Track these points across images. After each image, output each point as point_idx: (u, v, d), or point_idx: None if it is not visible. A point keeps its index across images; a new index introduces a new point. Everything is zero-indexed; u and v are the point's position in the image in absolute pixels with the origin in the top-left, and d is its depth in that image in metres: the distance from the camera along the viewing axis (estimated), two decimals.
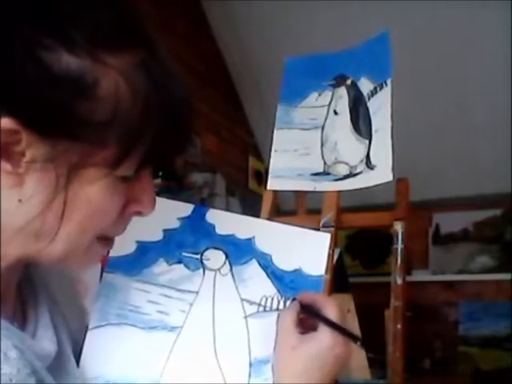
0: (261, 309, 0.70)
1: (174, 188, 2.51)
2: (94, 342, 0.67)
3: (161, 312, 0.70)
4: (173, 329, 0.69)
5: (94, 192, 0.50)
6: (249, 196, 3.32)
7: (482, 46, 2.85)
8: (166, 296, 0.70)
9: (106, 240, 0.57)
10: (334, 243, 1.07)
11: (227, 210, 2.35)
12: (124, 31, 0.50)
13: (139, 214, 0.57)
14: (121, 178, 0.52)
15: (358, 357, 1.89)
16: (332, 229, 1.08)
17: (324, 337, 0.62)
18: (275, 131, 1.15)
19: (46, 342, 0.57)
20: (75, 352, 0.65)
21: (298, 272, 0.71)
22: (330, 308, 0.64)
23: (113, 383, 0.67)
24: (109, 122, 0.48)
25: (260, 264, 0.72)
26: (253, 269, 0.72)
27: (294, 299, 0.68)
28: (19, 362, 0.49)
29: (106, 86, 0.48)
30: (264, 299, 0.70)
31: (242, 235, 0.73)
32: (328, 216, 1.10)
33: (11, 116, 0.45)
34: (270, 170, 1.12)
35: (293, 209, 1.53)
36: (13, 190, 0.48)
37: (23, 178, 0.48)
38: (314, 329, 0.64)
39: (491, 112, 3.11)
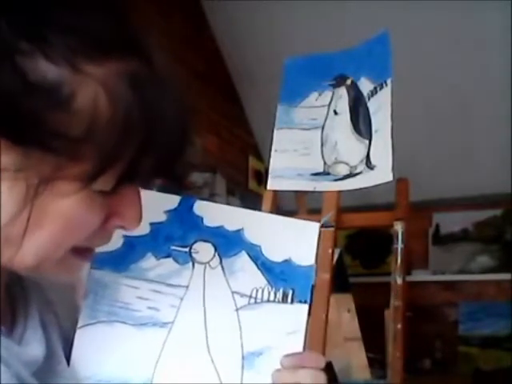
0: (252, 301, 0.69)
1: (174, 188, 2.51)
2: (84, 340, 0.66)
3: (151, 308, 0.69)
4: (164, 324, 0.69)
5: (67, 205, 0.48)
6: (249, 196, 3.32)
7: (481, 45, 2.85)
8: (155, 291, 0.69)
9: (85, 251, 0.55)
10: (334, 243, 1.07)
11: None
12: (113, 39, 0.47)
13: (123, 228, 0.55)
14: (98, 192, 0.49)
15: (358, 357, 1.89)
16: (332, 229, 1.08)
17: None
18: (275, 131, 1.15)
19: (35, 345, 0.56)
20: (67, 351, 0.64)
21: (287, 262, 0.70)
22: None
23: (105, 383, 0.66)
24: (84, 137, 0.45)
25: (250, 255, 0.71)
26: (242, 261, 0.71)
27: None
28: (5, 377, 0.48)
29: (84, 98, 0.45)
30: (255, 291, 0.69)
31: (230, 227, 0.72)
32: (328, 216, 1.10)
33: None
34: (270, 170, 1.12)
35: (293, 209, 1.54)
36: None
37: None
38: None
39: (491, 112, 3.11)
